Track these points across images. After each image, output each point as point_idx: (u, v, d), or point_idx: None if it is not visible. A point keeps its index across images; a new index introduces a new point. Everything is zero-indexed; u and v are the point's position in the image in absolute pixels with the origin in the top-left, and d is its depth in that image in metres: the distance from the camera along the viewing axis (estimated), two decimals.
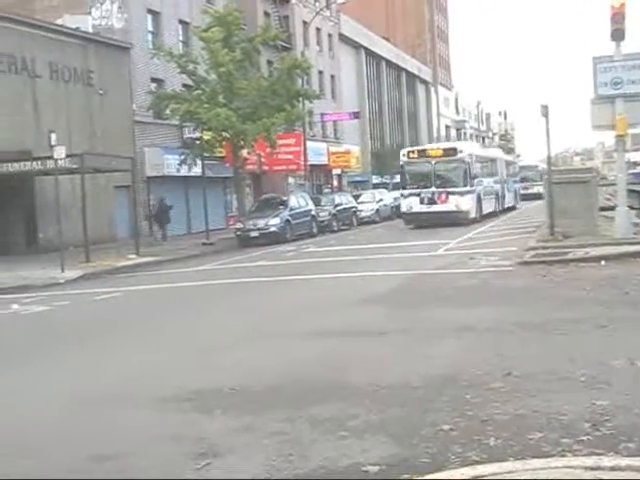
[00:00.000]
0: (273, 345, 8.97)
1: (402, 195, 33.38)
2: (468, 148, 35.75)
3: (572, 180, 19.69)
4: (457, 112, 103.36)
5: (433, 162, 31.46)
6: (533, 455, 4.66)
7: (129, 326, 11.67)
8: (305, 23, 52.00)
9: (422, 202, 31.04)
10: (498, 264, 16.00)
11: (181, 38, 39.42)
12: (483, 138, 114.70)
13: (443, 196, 30.96)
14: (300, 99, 35.40)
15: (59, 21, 33.89)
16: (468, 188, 31.34)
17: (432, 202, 30.97)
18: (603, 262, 14.66)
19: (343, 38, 62.78)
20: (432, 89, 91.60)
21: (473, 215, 31.75)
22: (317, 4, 55.93)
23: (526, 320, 9.39)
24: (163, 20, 38.39)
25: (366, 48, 68.29)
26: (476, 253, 18.40)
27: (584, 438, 4.90)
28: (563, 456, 4.62)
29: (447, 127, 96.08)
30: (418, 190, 31.49)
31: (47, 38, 30.77)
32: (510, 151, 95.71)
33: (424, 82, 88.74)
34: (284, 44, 43.20)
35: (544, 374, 6.61)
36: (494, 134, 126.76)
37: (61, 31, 32.38)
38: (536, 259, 15.81)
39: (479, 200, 33.03)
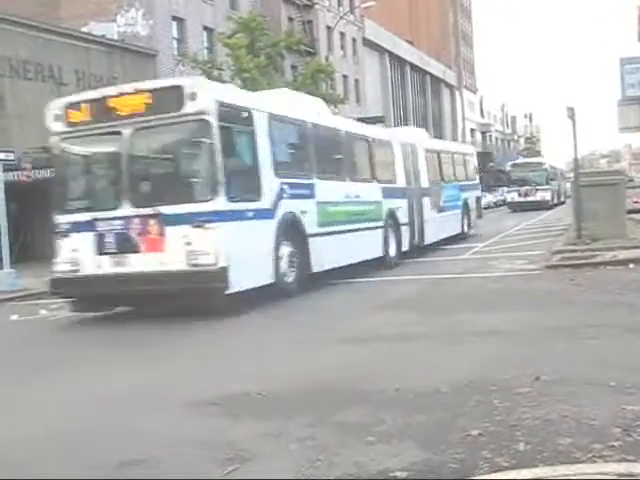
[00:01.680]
0: (298, 350, 8.94)
1: None
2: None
3: (600, 183, 19.50)
4: (482, 115, 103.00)
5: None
6: (563, 461, 4.59)
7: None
8: (329, 28, 52.06)
9: None
10: (524, 267, 15.90)
11: (206, 44, 39.64)
12: (508, 141, 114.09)
13: None
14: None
15: (85, 29, 34.24)
16: None
17: None
18: (631, 265, 14.50)
19: (367, 42, 62.81)
20: (457, 92, 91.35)
21: None
22: (341, 9, 56.00)
23: (554, 324, 9.30)
24: (188, 27, 38.63)
25: (390, 52, 68.28)
26: (501, 256, 18.29)
27: (615, 444, 4.82)
28: (594, 462, 4.55)
29: (472, 130, 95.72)
30: None
31: (73, 46, 31.08)
32: (537, 154, 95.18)
33: (449, 86, 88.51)
34: (308, 49, 43.29)
35: (573, 378, 6.53)
36: (519, 137, 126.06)
37: (87, 38, 32.69)
38: (563, 262, 15.68)
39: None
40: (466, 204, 26.55)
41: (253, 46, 32.08)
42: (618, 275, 13.54)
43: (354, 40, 60.25)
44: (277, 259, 13.06)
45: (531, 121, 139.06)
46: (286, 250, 13.48)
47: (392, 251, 18.56)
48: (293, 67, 42.28)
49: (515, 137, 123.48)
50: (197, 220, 11.54)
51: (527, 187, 48.82)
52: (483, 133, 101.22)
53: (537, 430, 5.22)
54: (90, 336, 11.89)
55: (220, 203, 11.67)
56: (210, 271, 11.44)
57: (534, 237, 24.04)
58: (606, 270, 14.29)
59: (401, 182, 20.02)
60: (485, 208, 52.79)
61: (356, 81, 60.21)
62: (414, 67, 75.28)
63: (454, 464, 4.72)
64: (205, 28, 39.63)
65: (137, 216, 12.00)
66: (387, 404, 6.17)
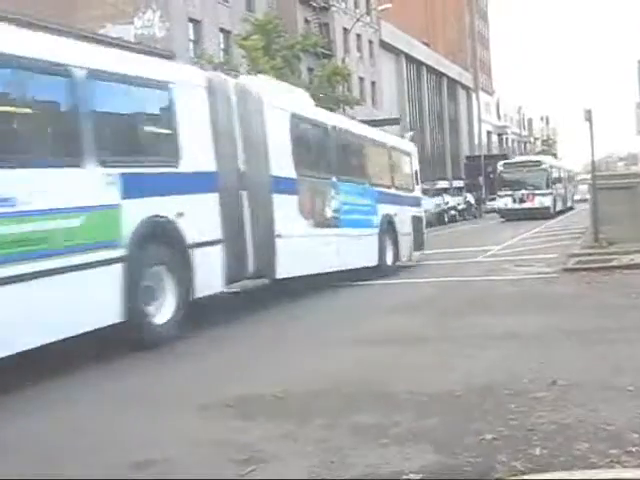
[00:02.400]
0: (312, 352, 8.93)
1: None
2: None
3: (617, 186, 19.41)
4: (498, 117, 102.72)
5: None
6: (580, 466, 4.56)
7: None
8: (345, 30, 52.08)
9: None
10: (541, 271, 15.83)
11: (222, 46, 39.73)
12: (525, 144, 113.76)
13: None
14: (341, 106, 35.47)
15: (102, 31, 34.39)
16: None
17: None
18: None
19: (383, 44, 62.80)
20: (473, 94, 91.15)
21: None
22: (357, 11, 55.99)
23: (571, 328, 9.25)
24: (204, 29, 38.74)
25: (406, 54, 68.23)
26: (518, 260, 18.22)
27: (633, 449, 4.78)
28: (611, 467, 4.51)
29: (488, 133, 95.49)
30: None
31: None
32: (553, 156, 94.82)
33: (465, 87, 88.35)
34: (324, 51, 43.30)
35: (590, 383, 6.49)
36: (536, 139, 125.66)
37: (104, 41, 32.77)
38: (580, 266, 15.60)
39: None
40: (391, 223, 17.80)
41: (269, 48, 32.14)
42: (635, 279, 13.45)
43: (370, 42, 60.24)
44: None
45: (548, 123, 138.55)
46: None
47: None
48: (309, 69, 42.31)
49: (531, 139, 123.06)
50: None
51: (522, 191, 41.18)
52: (499, 135, 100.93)
53: (553, 434, 5.18)
54: None
55: None
56: None
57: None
58: (623, 274, 14.20)
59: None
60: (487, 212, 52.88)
61: (372, 83, 60.18)
62: (430, 69, 75.18)
63: (469, 467, 4.70)
64: (221, 30, 39.72)
65: None
66: (401, 406, 6.15)
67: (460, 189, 65.47)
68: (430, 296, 13.49)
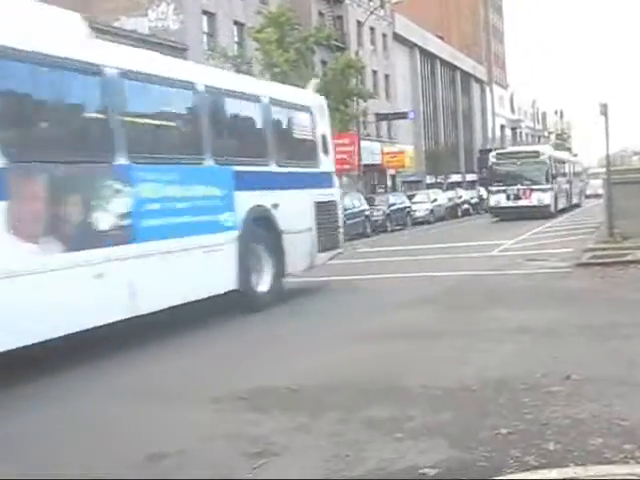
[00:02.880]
0: (328, 346, 8.94)
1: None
2: None
3: (632, 180, 19.28)
4: (512, 111, 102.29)
5: None
6: (594, 461, 4.55)
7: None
8: (359, 23, 51.94)
9: None
10: (555, 265, 15.77)
11: (236, 39, 39.70)
12: (539, 137, 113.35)
13: None
14: (354, 99, 35.41)
15: (116, 24, 34.44)
16: None
17: None
18: None
19: (397, 37, 62.62)
20: (487, 88, 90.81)
21: None
22: (371, 4, 55.83)
23: (585, 323, 9.23)
24: (218, 21, 38.72)
25: (420, 47, 68.01)
26: (531, 254, 18.17)
27: None
28: (626, 463, 4.51)
29: (502, 127, 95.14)
30: None
31: (105, 40, 31.23)
32: (567, 150, 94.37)
33: (479, 81, 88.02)
34: (338, 44, 43.24)
35: (604, 378, 6.48)
36: (550, 133, 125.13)
37: (118, 33, 32.87)
38: (594, 260, 15.53)
39: None
40: (266, 219, 12.17)
41: (283, 41, 32.10)
42: None
43: (384, 35, 60.08)
44: None
45: (562, 117, 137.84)
46: None
47: None
48: (323, 62, 42.25)
49: (546, 133, 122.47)
50: None
51: (518, 187, 35.84)
52: (513, 129, 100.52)
53: (567, 429, 5.18)
54: None
55: None
56: None
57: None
58: (638, 269, 14.12)
59: None
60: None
61: (386, 76, 60.03)
62: (444, 62, 74.93)
63: (483, 462, 4.70)
64: (235, 22, 39.69)
65: None
66: (415, 401, 6.16)
67: (473, 183, 65.35)
68: (443, 290, 13.47)
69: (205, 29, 38.42)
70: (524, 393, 6.10)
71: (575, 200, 44.59)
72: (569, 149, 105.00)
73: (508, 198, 35.86)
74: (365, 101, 37.98)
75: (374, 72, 56.43)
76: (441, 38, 75.71)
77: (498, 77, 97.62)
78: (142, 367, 8.21)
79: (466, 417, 5.66)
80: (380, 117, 51.72)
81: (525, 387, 6.28)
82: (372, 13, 50.48)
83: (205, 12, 38.15)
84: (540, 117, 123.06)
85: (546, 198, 35.69)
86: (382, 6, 56.52)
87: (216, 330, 10.41)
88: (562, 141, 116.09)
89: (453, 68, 78.48)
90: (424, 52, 69.19)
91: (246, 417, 6.06)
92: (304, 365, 7.81)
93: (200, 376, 7.69)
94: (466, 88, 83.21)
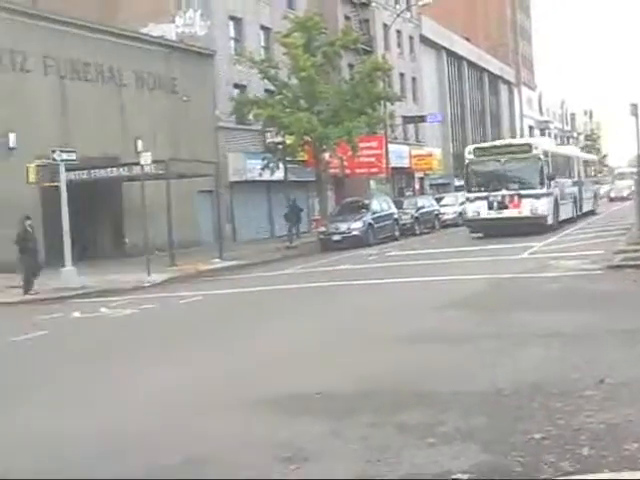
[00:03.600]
0: (358, 351, 8.93)
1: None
2: None
3: None
4: (541, 112, 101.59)
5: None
6: (629, 467, 4.51)
7: (213, 330, 11.79)
8: (385, 26, 51.83)
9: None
10: (585, 267, 15.62)
11: (263, 44, 39.79)
12: (568, 138, 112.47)
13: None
14: (381, 102, 35.35)
15: (144, 30, 34.66)
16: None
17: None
18: None
19: (424, 40, 62.41)
20: (515, 89, 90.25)
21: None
22: (397, 7, 55.71)
23: (617, 326, 9.13)
24: (245, 26, 38.84)
25: (447, 49, 67.76)
26: (562, 256, 18.02)
27: None
28: None
29: (530, 128, 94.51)
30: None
31: (132, 47, 31.51)
32: (596, 152, 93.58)
33: (507, 82, 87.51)
34: (365, 47, 43.16)
35: (638, 382, 6.41)
36: (579, 134, 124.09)
37: (146, 40, 33.10)
38: (626, 263, 15.36)
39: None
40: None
41: (310, 45, 32.11)
42: None
43: (411, 38, 59.89)
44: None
45: (591, 118, 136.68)
46: None
47: None
48: (350, 65, 42.20)
49: (574, 134, 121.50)
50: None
51: (503, 192, 27.24)
52: (541, 130, 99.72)
53: (602, 434, 5.13)
54: (151, 332, 12.09)
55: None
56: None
57: None
58: None
59: None
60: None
61: (413, 79, 59.83)
62: (471, 64, 74.53)
63: (517, 467, 4.67)
64: (262, 27, 39.76)
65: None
66: (447, 405, 6.13)
67: None
68: (474, 294, 13.39)
69: (232, 34, 38.55)
70: (557, 397, 6.05)
71: (587, 207, 35.85)
72: (598, 150, 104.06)
73: (490, 207, 27.28)
74: (392, 104, 37.89)
75: (401, 75, 56.28)
76: (468, 40, 75.36)
77: (526, 78, 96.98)
78: None
79: (499, 422, 5.63)
80: (407, 120, 51.63)
81: (558, 392, 6.23)
82: (399, 16, 50.34)
83: (232, 17, 38.28)
84: (569, 118, 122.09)
85: (541, 207, 26.94)
86: (408, 9, 56.35)
87: None
88: (592, 142, 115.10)
89: (480, 70, 78.08)
90: (451, 54, 68.90)
91: (279, 422, 6.06)
92: (334, 370, 7.80)
93: (233, 380, 7.71)
94: (494, 90, 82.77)
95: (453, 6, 76.26)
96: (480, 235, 27.41)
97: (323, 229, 30.52)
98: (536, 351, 8.08)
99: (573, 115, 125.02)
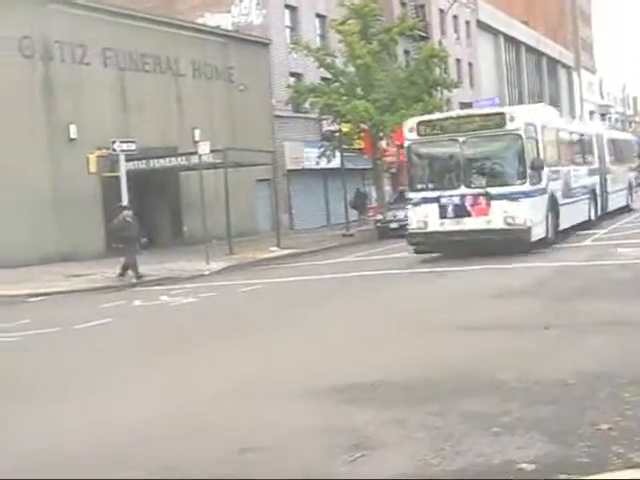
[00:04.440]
0: (420, 339, 8.88)
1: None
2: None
3: None
4: (601, 97, 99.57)
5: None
6: None
7: (274, 319, 11.83)
8: (442, 11, 51.38)
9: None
10: None
11: (318, 32, 39.73)
12: (630, 122, 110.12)
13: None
14: (438, 88, 35.03)
15: (200, 20, 34.92)
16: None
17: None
18: None
19: (481, 25, 61.64)
20: (574, 74, 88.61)
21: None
22: None
23: None
24: (301, 15, 38.83)
25: (505, 34, 66.80)
26: (627, 244, 17.64)
27: None
28: None
29: (591, 112, 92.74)
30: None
31: (189, 37, 31.73)
32: None
33: (566, 67, 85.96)
34: (421, 33, 42.77)
35: None
36: None
37: (202, 30, 33.32)
38: None
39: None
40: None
41: (366, 32, 31.96)
42: None
43: (467, 23, 59.23)
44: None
45: None
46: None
47: None
48: (406, 52, 41.91)
49: (637, 119, 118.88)
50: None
51: (462, 191, 18.29)
52: (602, 115, 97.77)
53: None
54: (203, 323, 12.19)
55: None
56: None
57: None
58: None
59: None
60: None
61: (470, 64, 59.19)
62: (529, 48, 73.39)
63: (584, 458, 4.59)
64: (317, 15, 39.72)
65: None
66: (512, 394, 6.06)
67: None
68: (538, 281, 13.21)
69: (288, 23, 38.58)
70: (624, 388, 5.93)
71: (615, 203, 27.53)
72: None
73: (443, 214, 18.25)
74: (450, 91, 37.52)
75: (458, 61, 55.69)
76: (526, 23, 74.14)
77: (586, 62, 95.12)
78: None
79: (564, 412, 5.53)
80: (464, 106, 51.12)
81: (625, 381, 6.10)
82: (455, 1, 49.81)
83: (287, 6, 38.31)
84: (631, 102, 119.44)
85: (522, 212, 17.59)
86: None
87: None
88: None
89: (539, 54, 76.83)
90: (508, 39, 67.91)
91: (341, 411, 6.05)
92: (397, 358, 7.77)
93: (294, 368, 7.73)
94: (552, 74, 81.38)
95: None
96: (431, 255, 18.93)
97: (380, 217, 30.42)
98: (602, 340, 7.92)
99: (635, 99, 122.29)
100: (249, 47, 35.12)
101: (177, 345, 9.90)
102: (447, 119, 19.95)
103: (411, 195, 19.42)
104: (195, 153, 23.38)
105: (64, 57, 26.17)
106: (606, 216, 25.25)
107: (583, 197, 23.10)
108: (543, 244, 18.20)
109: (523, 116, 18.81)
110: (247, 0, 37.13)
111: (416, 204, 18.98)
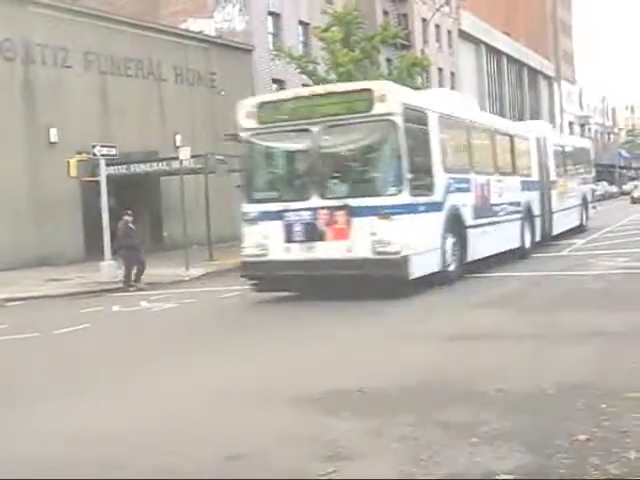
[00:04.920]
0: (398, 348, 8.88)
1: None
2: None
3: None
4: (581, 107, 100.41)
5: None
6: None
7: (256, 326, 11.80)
8: (424, 20, 51.62)
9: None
10: (629, 265, 15.39)
11: (301, 39, 39.84)
12: (609, 134, 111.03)
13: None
14: None
15: (183, 25, 34.91)
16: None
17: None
18: None
19: (463, 34, 62.08)
20: (555, 84, 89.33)
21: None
22: (436, 1, 55.43)
23: None
24: (283, 21, 38.93)
25: (486, 44, 67.31)
26: (603, 254, 17.78)
27: None
28: None
29: (570, 123, 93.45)
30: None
31: (172, 42, 31.73)
32: (638, 147, 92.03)
33: (547, 77, 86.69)
34: (403, 42, 42.94)
35: None
36: (620, 129, 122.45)
37: (185, 35, 33.32)
38: None
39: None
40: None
41: (348, 40, 32.01)
42: None
43: (449, 32, 59.63)
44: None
45: (633, 112, 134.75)
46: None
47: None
48: (388, 60, 42.07)
49: (616, 130, 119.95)
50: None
51: (313, 203, 13.14)
52: (582, 126, 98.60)
53: None
54: (182, 329, 12.14)
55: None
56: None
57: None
58: None
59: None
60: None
61: (452, 74, 59.59)
62: (511, 59, 73.98)
63: (562, 469, 4.60)
64: (300, 22, 39.82)
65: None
66: (490, 404, 6.06)
67: None
68: (512, 291, 13.27)
69: (270, 29, 38.65)
70: (601, 399, 5.95)
71: (564, 223, 23.34)
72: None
73: (289, 236, 13.46)
74: None
75: (440, 70, 56.05)
76: (507, 34, 74.71)
77: (566, 73, 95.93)
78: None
79: (542, 422, 5.55)
80: None
81: (601, 392, 6.13)
82: (438, 10, 50.06)
83: (270, 13, 38.39)
84: (610, 113, 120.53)
85: (394, 235, 12.66)
86: (447, 3, 56.01)
87: None
88: (633, 137, 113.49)
89: (520, 64, 77.43)
90: (490, 49, 68.41)
91: (320, 420, 6.04)
92: (375, 367, 7.77)
93: (274, 376, 7.70)
94: (533, 84, 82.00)
95: (492, 0, 75.63)
96: (273, 294, 14.30)
97: None
98: (579, 350, 7.97)
99: (614, 110, 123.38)
100: (231, 53, 35.14)
101: (157, 352, 9.85)
102: (297, 99, 14.27)
103: (246, 208, 14.03)
104: (176, 158, 23.32)
105: (45, 60, 26.08)
106: (551, 240, 21.50)
107: (511, 217, 18.16)
108: (441, 280, 13.71)
109: (401, 97, 13.57)
110: (230, 6, 37.15)
111: (252, 221, 13.82)
